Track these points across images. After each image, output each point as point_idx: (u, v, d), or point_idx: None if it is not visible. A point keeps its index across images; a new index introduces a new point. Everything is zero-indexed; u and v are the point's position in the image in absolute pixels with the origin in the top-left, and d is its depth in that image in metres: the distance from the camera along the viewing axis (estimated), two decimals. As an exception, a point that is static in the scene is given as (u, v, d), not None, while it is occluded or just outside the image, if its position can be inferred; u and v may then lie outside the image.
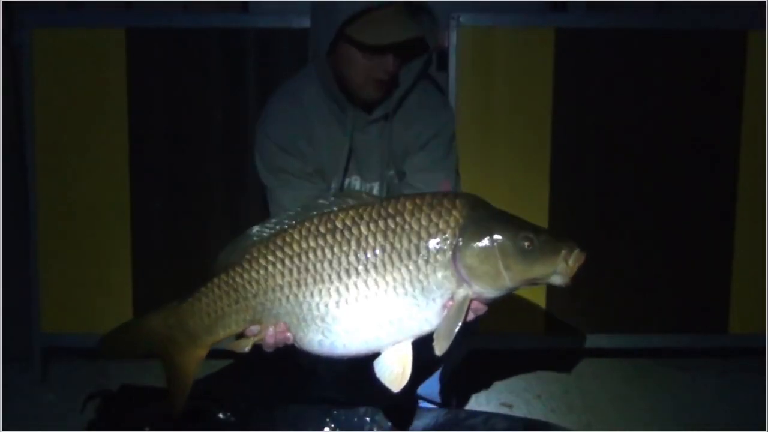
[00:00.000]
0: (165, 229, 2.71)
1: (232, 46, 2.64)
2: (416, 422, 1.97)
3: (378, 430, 1.94)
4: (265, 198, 2.66)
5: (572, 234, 2.62)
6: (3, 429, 2.24)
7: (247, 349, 1.54)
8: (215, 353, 1.67)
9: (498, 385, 2.61)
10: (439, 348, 1.43)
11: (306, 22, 2.57)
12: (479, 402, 2.50)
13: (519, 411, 2.47)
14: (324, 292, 1.46)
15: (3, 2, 2.68)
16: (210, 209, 2.71)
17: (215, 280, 1.56)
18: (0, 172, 2.72)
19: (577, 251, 1.42)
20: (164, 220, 2.70)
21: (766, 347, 2.64)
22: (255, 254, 1.52)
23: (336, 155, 1.90)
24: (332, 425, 1.95)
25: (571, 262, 1.42)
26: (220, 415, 1.98)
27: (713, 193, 2.71)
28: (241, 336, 1.56)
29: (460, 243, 1.42)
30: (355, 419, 1.95)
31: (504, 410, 2.47)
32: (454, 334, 1.42)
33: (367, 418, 1.94)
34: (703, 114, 2.68)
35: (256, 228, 1.55)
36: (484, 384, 2.58)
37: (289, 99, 1.91)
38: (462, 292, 1.43)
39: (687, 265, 2.74)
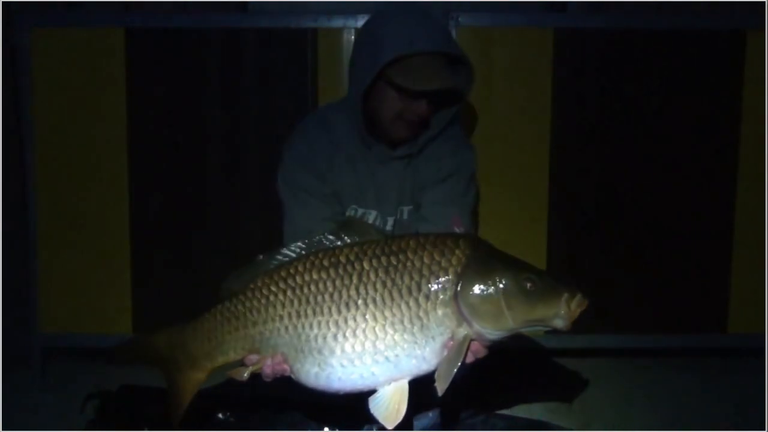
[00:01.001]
0: (164, 230, 2.71)
1: (231, 46, 2.64)
2: (416, 422, 1.97)
3: (377, 430, 1.94)
4: (264, 197, 2.68)
5: (571, 231, 2.68)
6: (3, 429, 2.24)
7: (245, 377, 1.55)
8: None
9: (498, 385, 2.61)
10: (440, 388, 1.43)
11: (305, 22, 2.60)
12: (479, 402, 2.50)
13: (518, 411, 2.46)
14: (323, 324, 1.47)
15: (2, 2, 2.68)
16: (209, 210, 2.71)
17: (218, 306, 1.57)
18: (0, 172, 2.72)
19: (579, 296, 1.43)
20: (163, 220, 2.70)
21: (766, 347, 2.64)
22: (259, 284, 1.53)
23: (355, 186, 1.93)
24: (330, 425, 1.95)
25: (573, 306, 1.42)
26: (220, 416, 1.98)
27: (712, 193, 2.71)
28: (241, 364, 1.57)
29: (463, 281, 1.43)
30: (353, 420, 1.95)
31: (504, 410, 2.47)
32: (453, 374, 1.42)
33: (366, 421, 1.94)
34: (702, 113, 2.68)
35: (261, 257, 1.57)
36: (484, 384, 2.58)
37: (318, 124, 1.94)
38: (462, 332, 1.43)
39: (686, 266, 2.74)
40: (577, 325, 2.69)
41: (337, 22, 2.59)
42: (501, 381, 2.63)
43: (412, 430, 1.97)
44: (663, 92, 2.68)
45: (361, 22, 2.59)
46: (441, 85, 1.75)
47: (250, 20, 2.69)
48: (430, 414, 2.10)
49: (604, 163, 2.70)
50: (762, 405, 2.39)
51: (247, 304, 1.53)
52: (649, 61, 2.66)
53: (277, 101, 2.66)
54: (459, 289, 1.42)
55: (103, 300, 2.71)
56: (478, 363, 1.50)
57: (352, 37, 2.60)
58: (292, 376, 1.52)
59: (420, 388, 1.48)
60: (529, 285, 1.42)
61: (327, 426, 1.96)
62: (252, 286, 1.53)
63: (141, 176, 2.68)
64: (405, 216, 1.97)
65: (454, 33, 2.57)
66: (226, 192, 2.70)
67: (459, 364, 1.42)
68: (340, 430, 1.95)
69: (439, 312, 1.43)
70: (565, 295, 1.42)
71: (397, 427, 1.87)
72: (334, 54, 2.61)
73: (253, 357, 1.53)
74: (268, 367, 1.52)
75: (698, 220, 2.72)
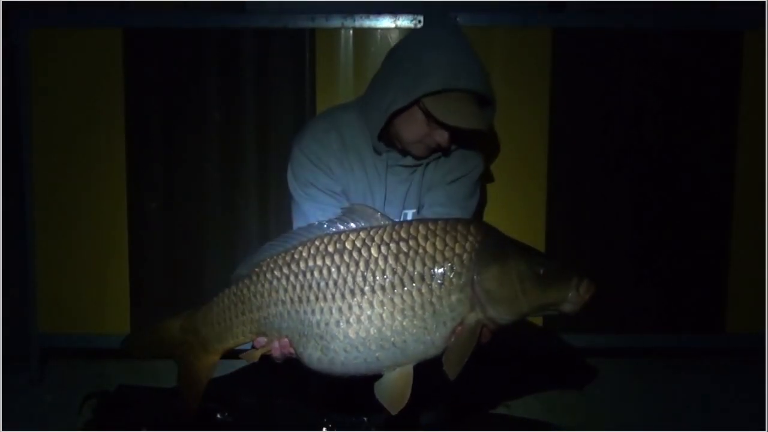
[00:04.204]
0: (162, 230, 2.71)
1: (229, 46, 2.64)
2: (414, 422, 1.97)
3: (375, 430, 1.94)
4: (262, 196, 2.68)
5: (569, 232, 2.68)
6: (2, 429, 2.24)
7: (255, 359, 1.59)
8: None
9: (496, 385, 2.61)
10: (452, 372, 1.44)
11: (302, 22, 2.60)
12: (477, 402, 2.50)
13: (517, 411, 2.46)
14: (326, 310, 1.48)
15: (1, 2, 2.67)
16: (207, 210, 2.71)
17: (226, 290, 1.61)
18: (-1, 172, 2.72)
19: (587, 280, 1.45)
20: (161, 220, 2.70)
21: (765, 347, 2.64)
22: (263, 269, 1.55)
23: (365, 187, 1.93)
24: (329, 425, 1.95)
25: (582, 290, 1.45)
26: (218, 416, 1.98)
27: (711, 193, 2.71)
28: (252, 346, 1.60)
29: (479, 267, 1.45)
30: (353, 419, 1.95)
31: (502, 410, 2.47)
32: (466, 359, 1.44)
33: (365, 418, 1.94)
34: (700, 113, 2.68)
35: (270, 243, 1.59)
36: (482, 383, 2.58)
37: (330, 122, 1.95)
38: (473, 317, 1.45)
39: (685, 266, 2.73)
40: (578, 324, 2.71)
41: (335, 22, 2.59)
42: (501, 381, 2.63)
43: (418, 423, 1.97)
44: (661, 92, 2.67)
45: (359, 22, 2.59)
46: (474, 125, 1.76)
47: (248, 20, 2.68)
48: (437, 409, 2.11)
49: (602, 163, 2.70)
50: (761, 405, 2.39)
51: (252, 288, 1.56)
52: (647, 61, 2.66)
53: (275, 101, 2.66)
54: (475, 274, 1.44)
55: (101, 300, 2.71)
56: (476, 363, 1.51)
57: (350, 36, 2.60)
58: (299, 359, 1.54)
59: (427, 382, 1.49)
60: (541, 270, 1.45)
61: (325, 426, 1.96)
62: (257, 270, 1.56)
63: (139, 176, 2.68)
64: (408, 219, 1.98)
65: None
66: (224, 191, 2.70)
67: (472, 348, 1.44)
68: (340, 430, 1.95)
69: (453, 297, 1.44)
70: (575, 280, 1.45)
71: (397, 426, 1.88)
72: (331, 54, 2.61)
73: (262, 339, 1.57)
74: (276, 349, 1.55)
75: (696, 219, 2.71)
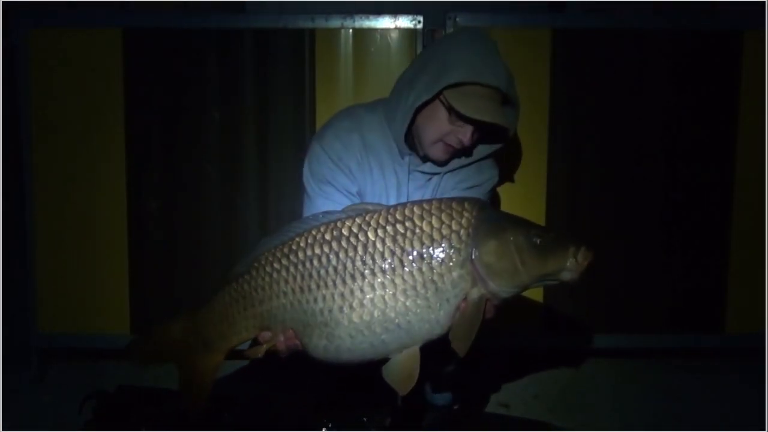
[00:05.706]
0: (161, 230, 2.71)
1: (228, 46, 2.64)
2: (414, 422, 1.97)
3: (375, 430, 1.94)
4: (262, 197, 2.68)
5: (568, 230, 2.68)
6: (2, 429, 2.24)
7: (260, 354, 1.57)
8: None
9: (495, 385, 2.61)
10: (461, 349, 1.45)
11: (302, 22, 2.60)
12: (477, 402, 2.50)
13: (516, 411, 2.47)
14: (328, 297, 1.48)
15: (1, 2, 2.67)
16: (206, 210, 2.71)
17: (226, 287, 1.60)
18: (-1, 173, 2.72)
19: (584, 248, 1.46)
20: (161, 221, 2.70)
21: (765, 347, 2.64)
22: (262, 262, 1.55)
23: (381, 190, 1.93)
24: (330, 425, 1.95)
25: (580, 258, 1.46)
26: (218, 416, 1.98)
27: (710, 193, 2.71)
28: (255, 342, 1.59)
29: (477, 241, 1.45)
30: (353, 419, 1.95)
31: (501, 410, 2.47)
32: (474, 334, 1.44)
33: (365, 418, 1.94)
34: (700, 113, 2.68)
35: (267, 238, 1.59)
36: (481, 384, 2.58)
37: (354, 123, 1.93)
38: (476, 292, 1.46)
39: (685, 266, 2.73)
40: (579, 324, 2.71)
41: (335, 23, 2.60)
42: (500, 381, 2.64)
43: (419, 423, 1.98)
44: (661, 92, 2.68)
45: (358, 22, 2.59)
46: (494, 119, 1.75)
47: (247, 20, 2.68)
48: (446, 395, 2.11)
49: (601, 163, 2.70)
50: (761, 405, 2.39)
51: (252, 283, 1.55)
52: (647, 61, 2.66)
53: (275, 101, 2.66)
54: (474, 249, 1.45)
55: (101, 300, 2.71)
56: (476, 363, 1.52)
57: (350, 37, 2.60)
58: (305, 350, 1.54)
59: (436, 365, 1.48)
60: (538, 240, 1.46)
61: (325, 426, 1.96)
62: (256, 264, 1.55)
63: (139, 176, 2.68)
64: None
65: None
66: (223, 192, 2.70)
67: (479, 323, 1.45)
68: (340, 430, 1.95)
69: (454, 274, 1.45)
70: (572, 248, 1.46)
71: (397, 426, 1.88)
72: (331, 54, 2.61)
73: (266, 334, 1.56)
74: (281, 343, 1.55)
75: (696, 219, 2.72)
